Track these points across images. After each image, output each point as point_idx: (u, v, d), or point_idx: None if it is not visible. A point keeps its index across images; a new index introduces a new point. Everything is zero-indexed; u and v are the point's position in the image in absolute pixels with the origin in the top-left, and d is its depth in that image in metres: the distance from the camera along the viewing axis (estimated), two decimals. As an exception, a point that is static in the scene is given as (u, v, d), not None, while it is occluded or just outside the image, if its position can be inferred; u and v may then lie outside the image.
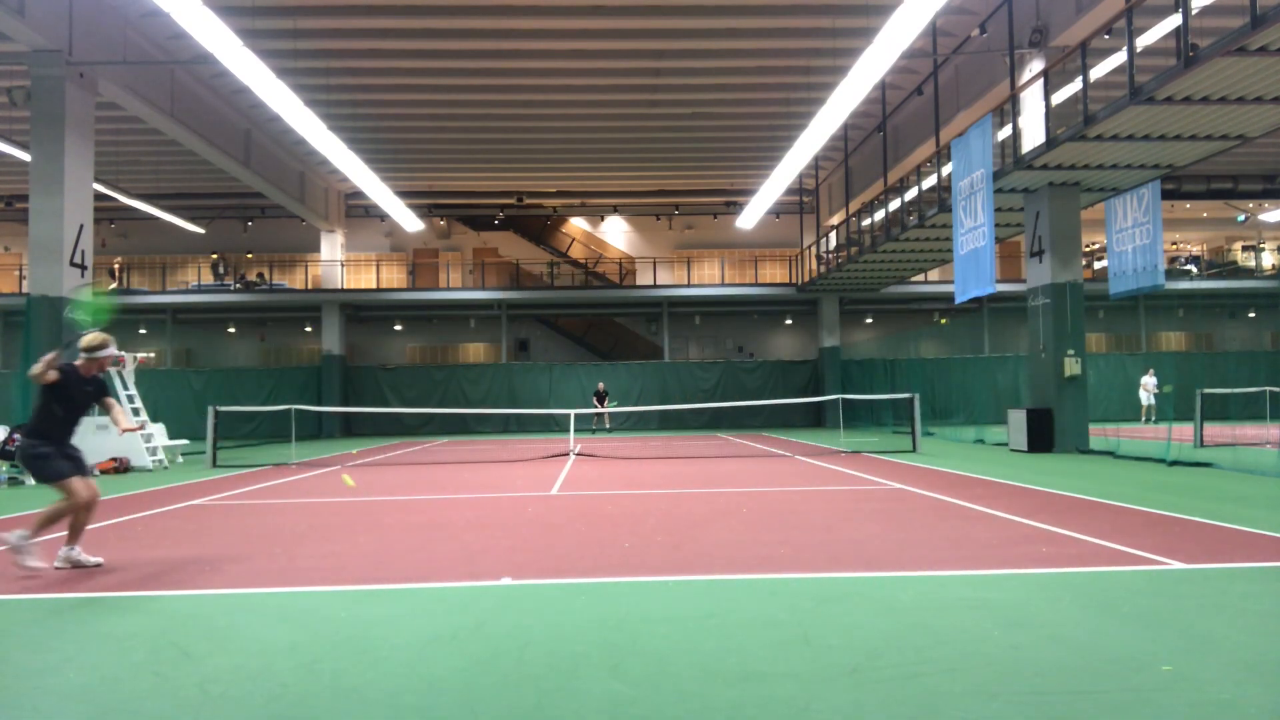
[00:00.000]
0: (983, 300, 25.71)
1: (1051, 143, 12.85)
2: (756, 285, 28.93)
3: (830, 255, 25.09)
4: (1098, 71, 14.10)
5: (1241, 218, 28.38)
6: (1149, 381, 22.47)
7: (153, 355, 28.45)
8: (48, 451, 5.38)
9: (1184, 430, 14.56)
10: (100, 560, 5.50)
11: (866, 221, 21.82)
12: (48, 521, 5.30)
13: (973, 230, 14.24)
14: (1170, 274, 26.35)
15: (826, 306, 28.58)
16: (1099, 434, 15.27)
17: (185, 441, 15.97)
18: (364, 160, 18.38)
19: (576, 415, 17.95)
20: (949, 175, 15.90)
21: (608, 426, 25.37)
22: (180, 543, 6.47)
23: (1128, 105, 11.02)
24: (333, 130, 16.30)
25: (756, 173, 25.41)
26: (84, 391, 5.57)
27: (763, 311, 30.72)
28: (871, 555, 5.52)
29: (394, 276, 30.33)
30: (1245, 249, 30.52)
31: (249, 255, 30.43)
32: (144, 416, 14.13)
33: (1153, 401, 22.16)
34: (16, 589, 4.91)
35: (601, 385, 25.85)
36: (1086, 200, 15.27)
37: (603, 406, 23.70)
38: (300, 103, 14.48)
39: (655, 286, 28.81)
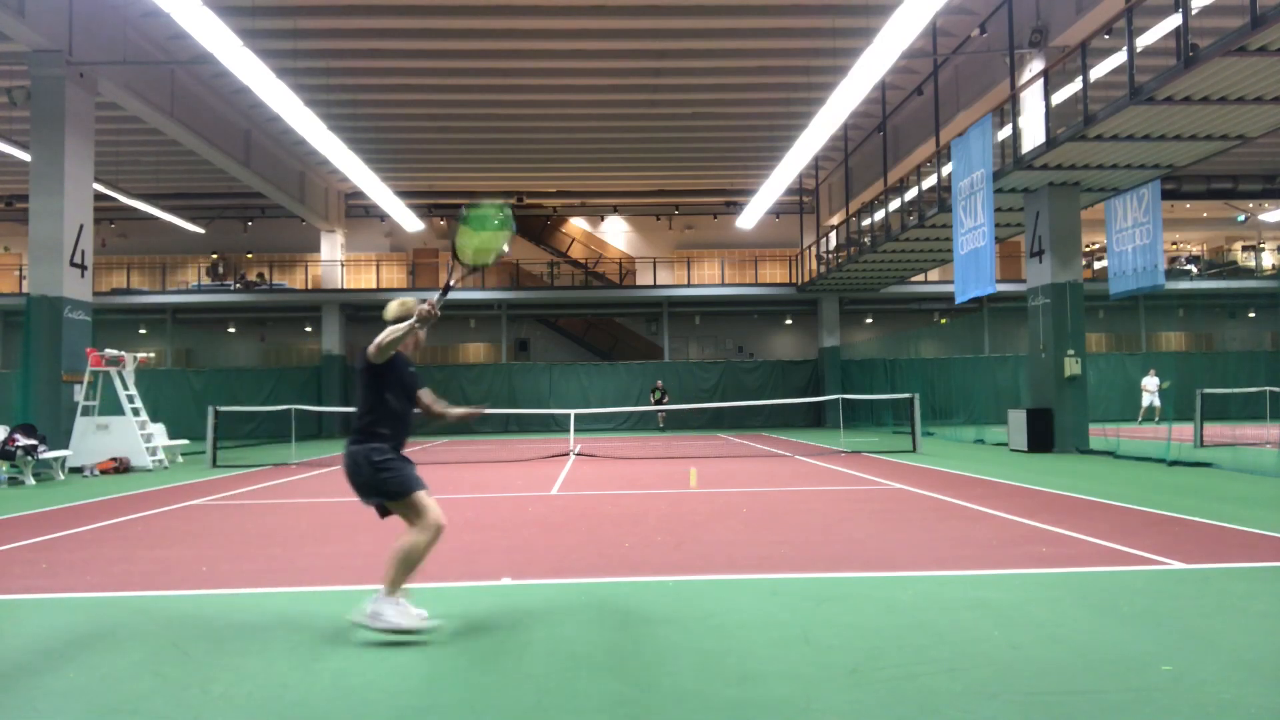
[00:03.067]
0: (983, 300, 25.70)
1: (1051, 143, 12.85)
2: (756, 285, 28.93)
3: (830, 255, 25.09)
4: (1098, 71, 14.10)
5: (1241, 218, 28.38)
6: (1150, 382, 22.43)
7: (152, 355, 28.47)
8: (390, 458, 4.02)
9: (1184, 430, 14.56)
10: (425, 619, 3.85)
11: (866, 221, 21.82)
12: (408, 566, 3.81)
13: (973, 230, 14.24)
14: (1170, 274, 26.34)
15: (826, 306, 28.58)
16: (1099, 434, 15.27)
17: (185, 441, 15.97)
18: (364, 160, 18.38)
19: (577, 415, 17.95)
20: (949, 175, 15.89)
21: (660, 425, 25.39)
22: (180, 543, 6.47)
23: (1128, 105, 11.02)
24: (333, 130, 16.29)
25: (756, 173, 25.41)
26: (410, 374, 4.26)
27: (763, 311, 30.72)
28: (871, 555, 5.52)
29: (394, 276, 30.33)
30: (1245, 249, 30.53)
31: (249, 255, 30.42)
32: (144, 416, 14.13)
33: (1157, 402, 22.06)
34: (17, 589, 4.90)
35: (660, 382, 25.98)
36: (1086, 200, 15.27)
37: (659, 403, 23.53)
38: (300, 103, 14.48)
39: (655, 286, 28.80)
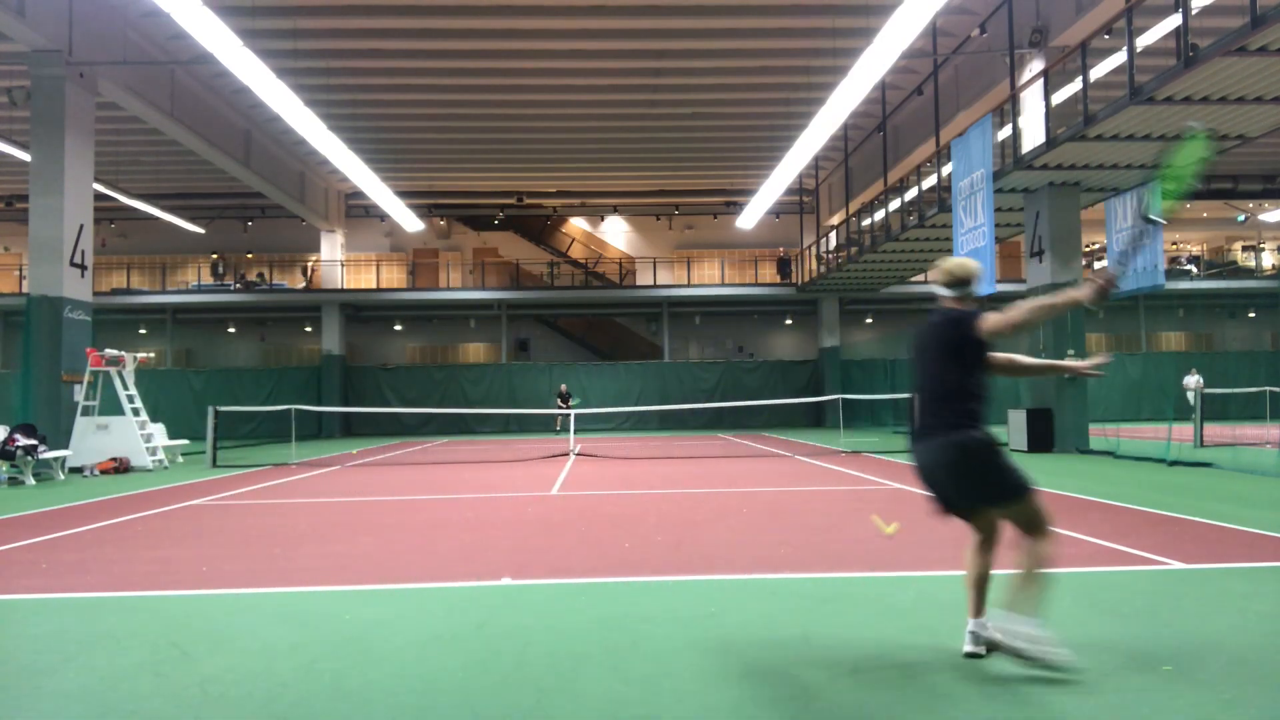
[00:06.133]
0: (982, 300, 25.68)
1: (1051, 143, 12.84)
2: (756, 285, 28.92)
3: (830, 255, 25.09)
4: (1098, 71, 14.10)
5: (1241, 218, 28.37)
6: (1191, 381, 22.21)
7: (152, 355, 28.47)
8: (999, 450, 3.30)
9: (1184, 430, 14.56)
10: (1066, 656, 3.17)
11: (866, 221, 21.81)
12: (1044, 582, 3.28)
13: (973, 230, 14.24)
14: (1170, 274, 26.33)
15: (826, 306, 28.58)
16: (1099, 434, 15.27)
17: (185, 441, 15.97)
18: (364, 160, 18.38)
19: (577, 415, 17.96)
20: (949, 175, 15.89)
21: (556, 428, 24.98)
22: (180, 543, 6.47)
23: (1128, 105, 11.02)
24: (333, 130, 16.28)
25: (756, 173, 25.40)
26: None
27: (763, 311, 30.72)
28: (871, 555, 5.52)
29: (394, 276, 30.32)
30: (1245, 249, 30.52)
31: (249, 255, 30.42)
32: (144, 416, 14.13)
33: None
34: (17, 589, 4.90)
35: (564, 386, 25.65)
36: (1086, 200, 15.27)
37: (566, 406, 23.37)
38: (300, 103, 14.47)
39: (655, 286, 28.80)
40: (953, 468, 3.30)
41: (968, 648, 3.38)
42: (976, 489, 3.29)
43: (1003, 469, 3.25)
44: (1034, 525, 3.25)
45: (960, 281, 3.52)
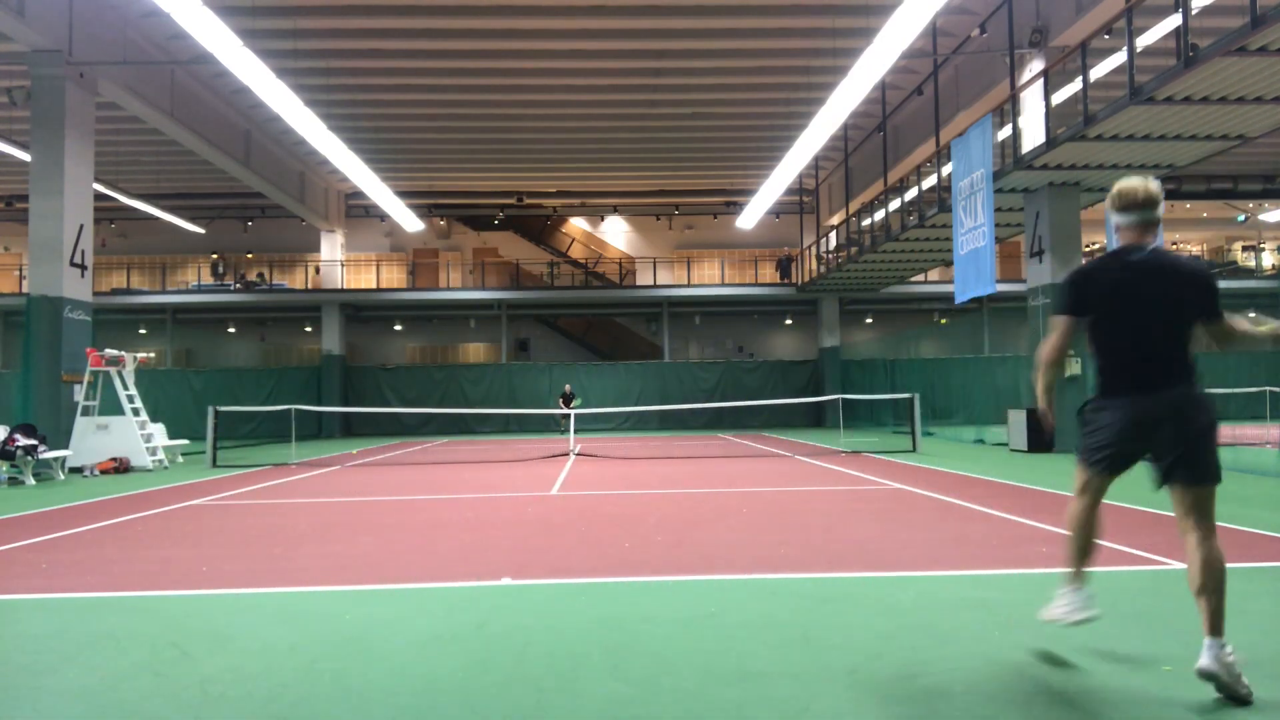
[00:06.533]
0: (983, 300, 25.67)
1: (1051, 143, 12.85)
2: (756, 285, 28.92)
3: (830, 255, 25.09)
4: (1098, 71, 14.10)
5: (1241, 218, 28.37)
6: None
7: (152, 355, 28.47)
8: None
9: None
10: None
11: (866, 221, 21.82)
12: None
13: (973, 230, 14.24)
14: (1170, 274, 26.26)
15: (826, 306, 28.58)
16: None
17: (185, 441, 15.97)
18: (364, 160, 18.38)
19: (577, 415, 17.96)
20: (949, 175, 15.90)
21: (560, 426, 24.81)
22: (180, 543, 6.47)
23: (1128, 105, 11.02)
24: (333, 130, 16.28)
25: (756, 173, 25.40)
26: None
27: (763, 311, 30.72)
28: (871, 555, 5.52)
29: (394, 276, 30.33)
30: (1245, 249, 30.52)
31: (249, 255, 30.43)
32: (144, 416, 14.13)
33: None
34: (17, 589, 4.90)
35: (568, 387, 25.56)
36: (1086, 200, 15.27)
37: (568, 407, 23.23)
38: (300, 103, 14.47)
39: (655, 286, 28.80)
40: (1191, 423, 3.02)
41: (1079, 615, 3.34)
42: (1196, 455, 3.01)
43: (1217, 447, 3.03)
44: (1210, 516, 3.10)
45: (1147, 203, 3.13)
